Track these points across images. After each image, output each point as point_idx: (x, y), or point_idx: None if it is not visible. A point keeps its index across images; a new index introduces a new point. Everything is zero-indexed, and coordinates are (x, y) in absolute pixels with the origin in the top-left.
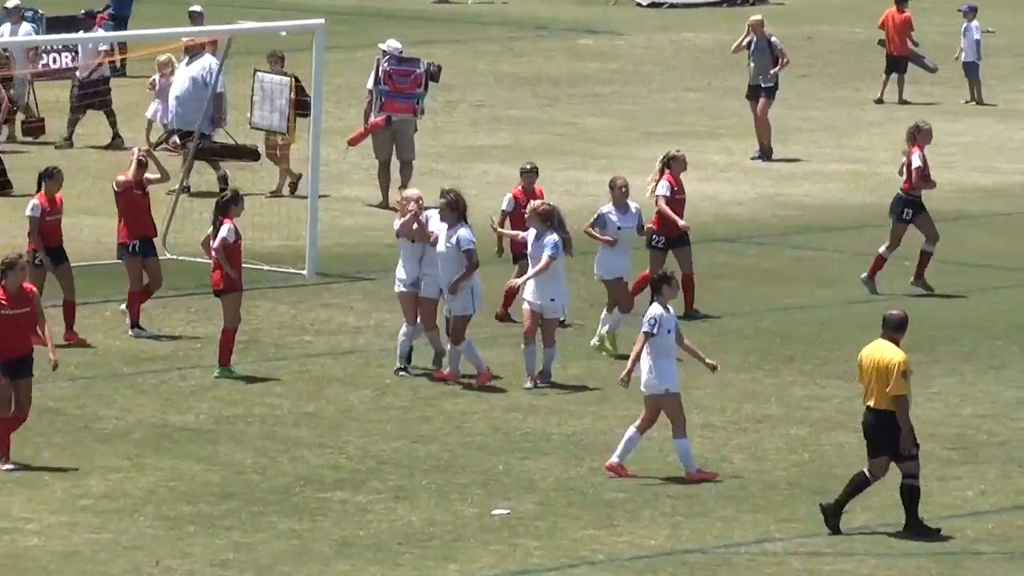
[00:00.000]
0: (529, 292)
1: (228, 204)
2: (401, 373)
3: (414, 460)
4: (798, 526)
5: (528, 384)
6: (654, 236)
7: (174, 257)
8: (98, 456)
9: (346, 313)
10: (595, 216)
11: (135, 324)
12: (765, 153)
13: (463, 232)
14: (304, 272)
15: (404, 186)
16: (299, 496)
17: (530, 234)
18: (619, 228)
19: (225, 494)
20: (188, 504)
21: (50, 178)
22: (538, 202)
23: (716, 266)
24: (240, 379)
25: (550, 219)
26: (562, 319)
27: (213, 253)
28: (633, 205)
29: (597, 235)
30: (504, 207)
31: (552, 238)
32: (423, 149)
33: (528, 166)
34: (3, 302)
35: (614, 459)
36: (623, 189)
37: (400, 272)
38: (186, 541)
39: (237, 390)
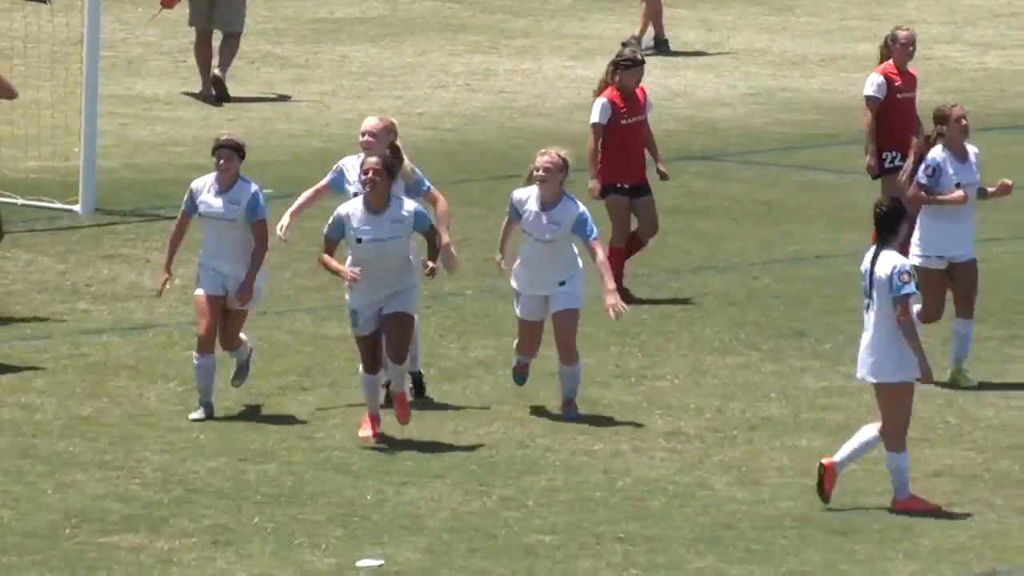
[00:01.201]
0: (522, 281)
1: None
2: None
3: (241, 487)
4: None
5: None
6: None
7: None
8: None
9: (140, 269)
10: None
11: None
12: (659, 44)
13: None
14: (77, 208)
15: (222, 73)
16: (71, 541)
17: (528, 197)
18: (957, 184)
19: None
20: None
21: None
22: (554, 149)
23: (690, 196)
24: None
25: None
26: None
27: None
28: (972, 150)
29: (944, 196)
30: (597, 118)
31: (580, 212)
32: (253, 24)
33: (631, 53)
34: None
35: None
36: (963, 122)
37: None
38: None
39: None
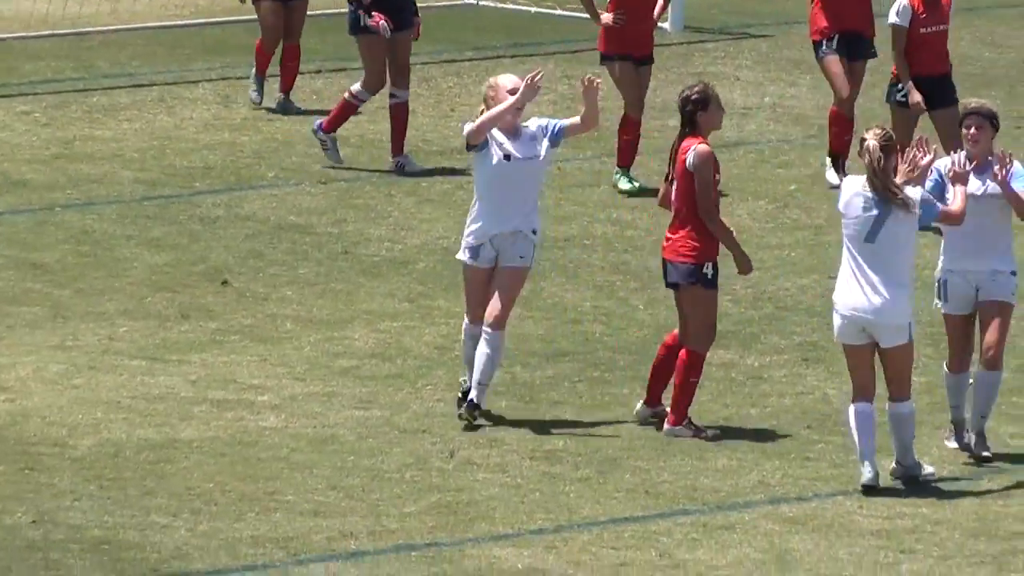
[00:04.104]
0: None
1: None
2: None
3: (832, 304)
4: None
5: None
6: None
7: None
8: (363, 296)
9: (730, 87)
10: None
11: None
12: None
13: None
14: (666, 25)
15: None
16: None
17: None
18: None
19: (557, 352)
20: (499, 367)
21: None
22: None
23: None
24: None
25: None
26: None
27: None
28: None
29: None
30: (898, 19)
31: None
32: None
33: None
34: None
35: None
36: None
37: None
38: (495, 422)
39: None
